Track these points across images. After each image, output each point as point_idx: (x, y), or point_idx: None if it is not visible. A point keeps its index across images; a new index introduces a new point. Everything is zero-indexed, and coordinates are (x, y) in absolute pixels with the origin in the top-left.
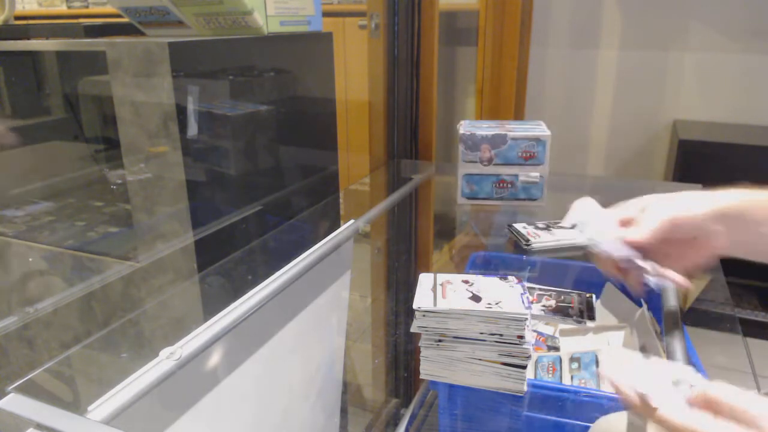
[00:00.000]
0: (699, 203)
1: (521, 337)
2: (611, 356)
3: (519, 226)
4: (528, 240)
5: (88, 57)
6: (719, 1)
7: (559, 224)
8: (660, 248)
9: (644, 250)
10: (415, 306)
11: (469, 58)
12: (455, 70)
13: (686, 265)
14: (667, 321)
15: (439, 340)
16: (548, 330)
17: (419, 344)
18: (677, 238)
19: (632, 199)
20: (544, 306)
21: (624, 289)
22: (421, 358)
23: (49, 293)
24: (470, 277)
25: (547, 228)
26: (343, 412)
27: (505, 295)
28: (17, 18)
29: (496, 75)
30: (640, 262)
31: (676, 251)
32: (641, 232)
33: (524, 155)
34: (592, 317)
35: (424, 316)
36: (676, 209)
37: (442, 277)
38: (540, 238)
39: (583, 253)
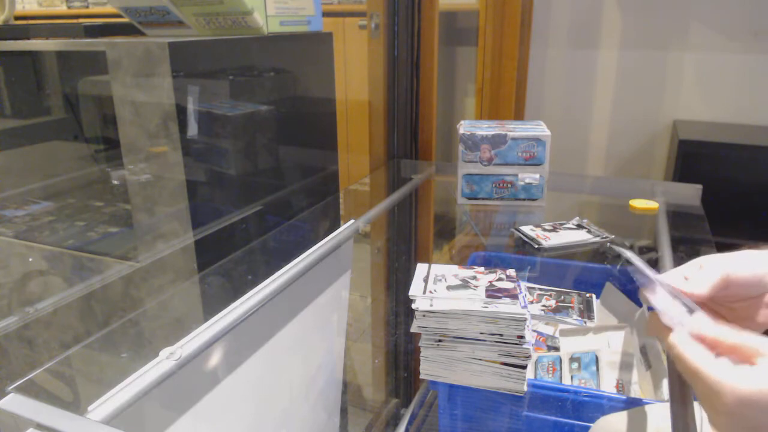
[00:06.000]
0: (760, 260)
1: (521, 337)
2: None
3: (526, 228)
4: (539, 243)
5: (88, 57)
6: (719, 1)
7: (566, 225)
8: (722, 304)
9: (703, 305)
10: (410, 294)
11: (469, 58)
12: (455, 70)
13: (756, 323)
14: None
15: (439, 340)
16: (548, 330)
17: (419, 344)
18: (740, 294)
19: (691, 261)
20: (544, 306)
21: (624, 289)
22: (421, 358)
23: (49, 293)
24: (464, 270)
25: (554, 229)
26: (343, 412)
27: (494, 278)
28: (17, 18)
29: (496, 75)
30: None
31: (742, 308)
32: (697, 285)
33: (524, 155)
34: (592, 317)
35: (424, 316)
36: (735, 265)
37: (436, 268)
38: (550, 240)
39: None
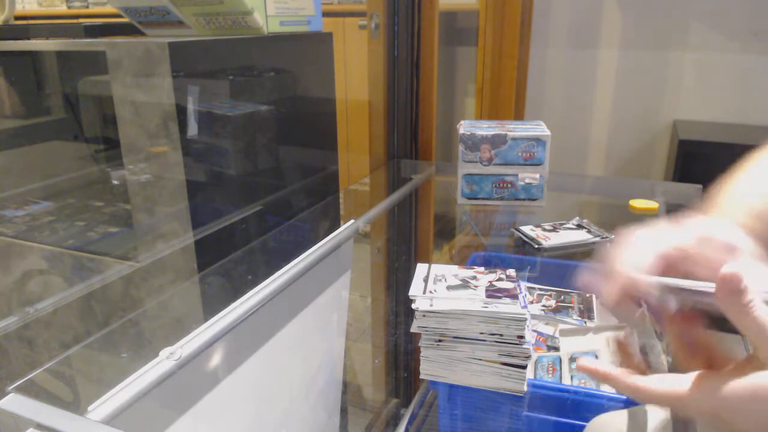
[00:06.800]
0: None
1: (521, 337)
2: None
3: (526, 229)
4: (540, 243)
5: (88, 57)
6: (719, 1)
7: (566, 225)
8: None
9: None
10: (410, 294)
11: (469, 58)
12: (455, 70)
13: None
14: None
15: (439, 340)
16: (548, 330)
17: (419, 344)
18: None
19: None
20: (544, 306)
21: None
22: (421, 358)
23: (49, 293)
24: (464, 270)
25: (554, 229)
26: (343, 412)
27: (494, 278)
28: (17, 18)
29: (496, 75)
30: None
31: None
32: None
33: (524, 155)
34: (591, 317)
35: (424, 316)
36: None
37: (436, 268)
38: (550, 241)
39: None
